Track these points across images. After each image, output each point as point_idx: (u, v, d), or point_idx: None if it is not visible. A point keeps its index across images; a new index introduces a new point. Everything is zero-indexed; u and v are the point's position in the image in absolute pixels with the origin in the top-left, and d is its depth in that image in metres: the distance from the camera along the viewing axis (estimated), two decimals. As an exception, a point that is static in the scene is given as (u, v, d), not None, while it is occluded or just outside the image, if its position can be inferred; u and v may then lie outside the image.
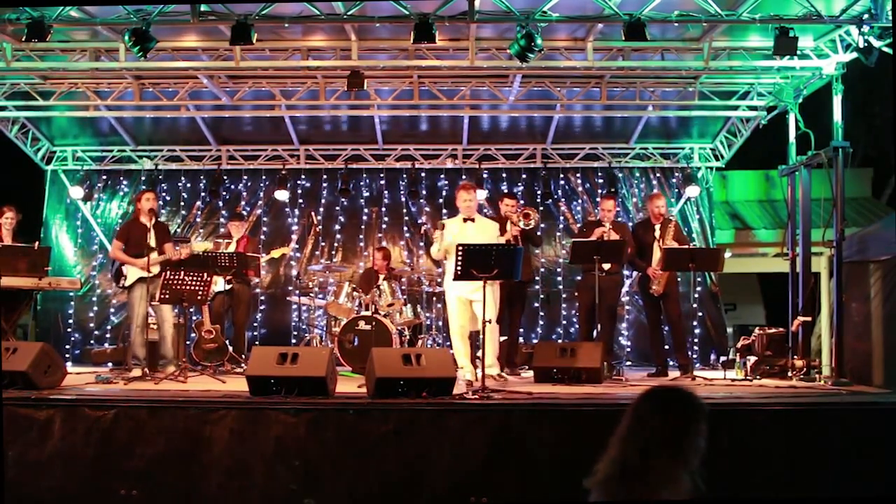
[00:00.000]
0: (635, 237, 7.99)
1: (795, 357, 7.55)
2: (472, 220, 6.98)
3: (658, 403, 2.30)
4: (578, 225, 10.24)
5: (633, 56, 8.30)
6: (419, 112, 9.73)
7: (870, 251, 7.29)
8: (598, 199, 9.13)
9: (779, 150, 8.99)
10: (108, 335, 10.28)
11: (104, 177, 10.72)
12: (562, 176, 10.65)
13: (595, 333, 7.88)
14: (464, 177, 10.45)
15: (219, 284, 8.26)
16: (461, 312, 6.89)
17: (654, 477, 2.21)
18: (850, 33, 7.19)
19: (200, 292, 6.91)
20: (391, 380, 5.36)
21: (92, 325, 10.35)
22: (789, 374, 7.39)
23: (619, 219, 10.33)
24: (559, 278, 10.34)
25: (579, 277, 8.32)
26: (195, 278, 6.86)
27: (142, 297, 7.21)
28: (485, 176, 10.50)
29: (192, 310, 7.71)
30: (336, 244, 10.56)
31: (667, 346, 8.04)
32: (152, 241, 7.32)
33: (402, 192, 10.58)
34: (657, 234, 7.74)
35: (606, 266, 7.50)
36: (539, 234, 8.28)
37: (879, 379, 6.84)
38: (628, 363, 9.61)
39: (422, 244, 10.42)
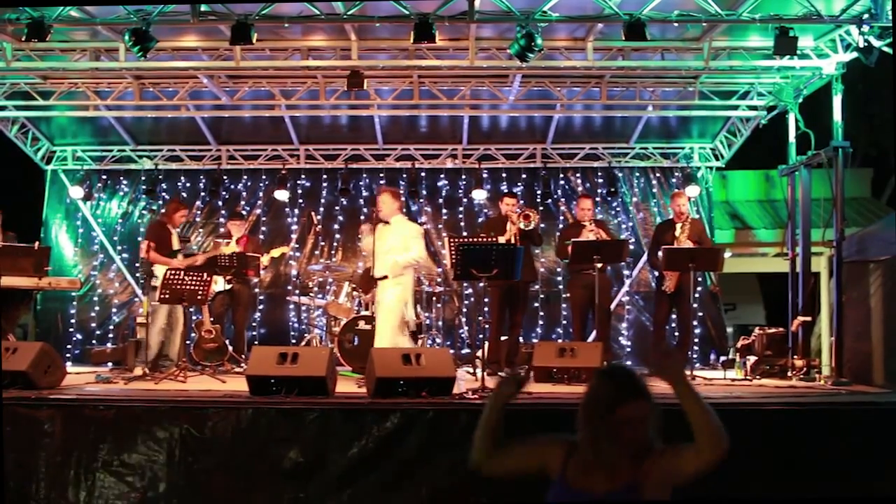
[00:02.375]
0: (655, 235, 8.09)
1: (795, 357, 7.55)
2: (388, 223, 6.94)
3: (597, 376, 2.56)
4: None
5: (633, 56, 8.30)
6: (419, 112, 9.72)
7: (870, 251, 7.29)
8: (580, 199, 8.99)
9: (779, 150, 9.00)
10: (109, 335, 10.26)
11: (104, 176, 10.72)
12: (562, 176, 10.65)
13: (593, 333, 7.88)
14: (467, 177, 10.45)
15: (219, 284, 8.27)
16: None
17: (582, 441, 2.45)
18: (850, 33, 7.19)
19: (200, 292, 6.91)
20: (391, 380, 5.36)
21: (93, 325, 10.34)
22: (789, 374, 7.39)
23: (619, 219, 10.38)
24: (559, 278, 10.33)
25: (568, 277, 8.34)
26: (195, 278, 6.87)
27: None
28: (485, 176, 10.49)
29: (192, 310, 7.73)
30: (336, 244, 10.55)
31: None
32: (175, 245, 7.73)
33: (402, 192, 10.55)
34: (677, 232, 7.76)
35: (598, 265, 7.51)
36: (539, 234, 8.28)
37: (879, 379, 6.84)
38: (628, 363, 9.62)
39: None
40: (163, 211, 8.50)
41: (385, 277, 6.79)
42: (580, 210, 8.00)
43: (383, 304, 6.82)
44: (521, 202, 8.22)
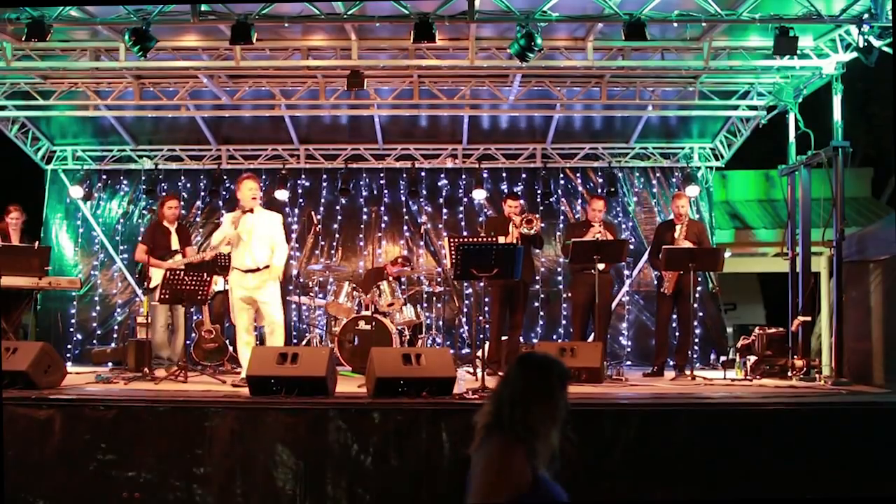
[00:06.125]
0: (656, 236, 8.09)
1: (795, 357, 7.55)
2: (252, 211, 6.73)
3: (522, 366, 2.57)
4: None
5: (633, 56, 8.30)
6: (419, 112, 9.72)
7: (869, 251, 7.30)
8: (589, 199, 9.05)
9: (779, 149, 9.00)
10: (110, 335, 10.26)
11: (104, 176, 10.71)
12: (562, 176, 10.64)
13: (592, 333, 7.88)
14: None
15: (219, 284, 8.27)
16: (240, 313, 6.70)
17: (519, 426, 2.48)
18: (850, 33, 7.20)
19: (200, 292, 6.91)
20: (391, 380, 5.36)
21: (93, 324, 10.35)
22: (789, 374, 7.39)
23: (619, 219, 10.38)
24: (559, 278, 10.34)
25: (570, 276, 8.35)
26: (195, 278, 6.87)
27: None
28: (485, 176, 10.49)
29: (192, 310, 7.73)
30: (336, 244, 10.55)
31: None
32: (175, 245, 7.66)
33: (401, 192, 10.57)
34: (677, 233, 7.77)
35: (601, 265, 7.51)
36: (542, 237, 8.28)
37: (879, 379, 6.84)
38: (628, 363, 9.61)
39: (422, 244, 10.45)
40: (154, 208, 8.51)
41: (257, 270, 6.60)
42: (592, 210, 7.95)
43: (272, 302, 6.63)
44: (523, 203, 8.20)
